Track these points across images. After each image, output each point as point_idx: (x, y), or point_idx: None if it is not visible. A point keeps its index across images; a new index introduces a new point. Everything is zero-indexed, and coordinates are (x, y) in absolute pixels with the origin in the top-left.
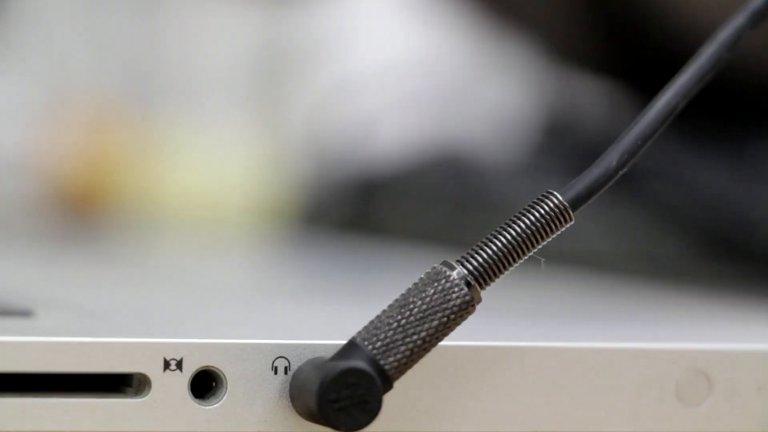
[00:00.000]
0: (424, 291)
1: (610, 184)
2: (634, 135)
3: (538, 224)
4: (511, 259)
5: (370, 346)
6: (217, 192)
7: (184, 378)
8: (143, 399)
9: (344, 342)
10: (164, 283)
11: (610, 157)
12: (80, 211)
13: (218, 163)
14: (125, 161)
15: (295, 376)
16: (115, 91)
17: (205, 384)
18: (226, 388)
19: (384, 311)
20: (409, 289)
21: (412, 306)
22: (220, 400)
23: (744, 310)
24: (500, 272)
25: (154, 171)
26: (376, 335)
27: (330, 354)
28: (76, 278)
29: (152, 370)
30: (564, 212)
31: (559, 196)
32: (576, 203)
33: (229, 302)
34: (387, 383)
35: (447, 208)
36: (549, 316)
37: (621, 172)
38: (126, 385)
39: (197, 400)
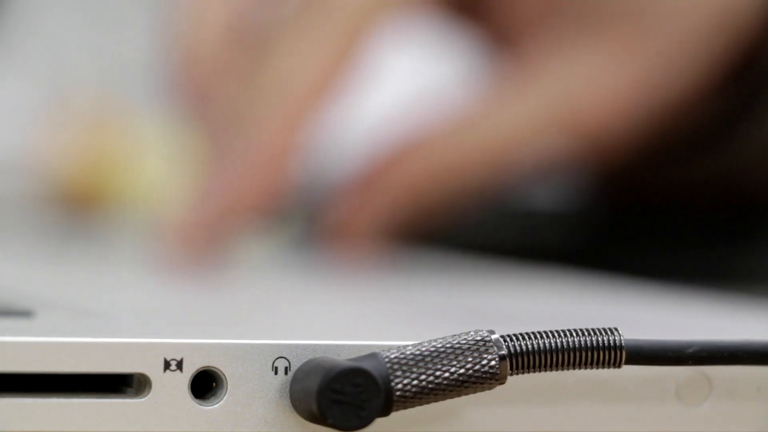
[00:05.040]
0: (458, 340)
1: (669, 364)
2: (725, 346)
3: (586, 347)
4: (547, 360)
5: (389, 363)
6: None
7: (184, 378)
8: (143, 399)
9: (344, 342)
10: (164, 283)
11: (691, 345)
12: (80, 211)
13: None
14: (125, 161)
15: (296, 375)
16: (115, 91)
17: (205, 384)
18: (227, 388)
19: (419, 343)
20: (448, 336)
21: (441, 348)
22: (220, 401)
23: (744, 308)
24: (532, 366)
25: (153, 171)
26: (398, 358)
27: (329, 354)
28: (76, 278)
29: (152, 370)
30: (616, 355)
31: (621, 338)
32: (632, 355)
33: (229, 302)
34: (387, 405)
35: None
36: (547, 315)
37: (687, 365)
38: (126, 385)
39: (197, 400)
